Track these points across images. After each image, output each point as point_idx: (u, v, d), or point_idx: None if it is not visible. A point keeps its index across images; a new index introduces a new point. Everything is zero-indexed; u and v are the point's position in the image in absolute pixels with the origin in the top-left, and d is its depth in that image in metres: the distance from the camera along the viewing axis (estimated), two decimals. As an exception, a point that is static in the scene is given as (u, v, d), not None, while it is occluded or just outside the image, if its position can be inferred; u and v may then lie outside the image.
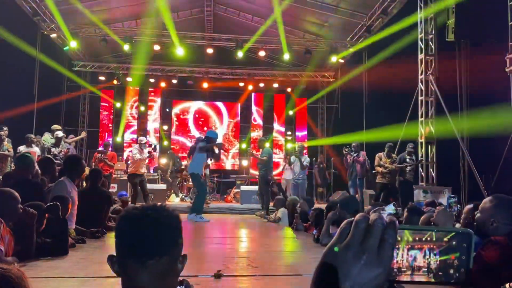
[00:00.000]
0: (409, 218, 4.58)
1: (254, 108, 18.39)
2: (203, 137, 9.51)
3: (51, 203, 3.90)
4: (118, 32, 14.14)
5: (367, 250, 0.57)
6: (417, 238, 0.61)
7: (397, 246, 0.60)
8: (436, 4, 10.72)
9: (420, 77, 11.01)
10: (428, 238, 0.61)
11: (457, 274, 0.60)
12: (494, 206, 2.55)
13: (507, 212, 2.51)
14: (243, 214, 11.13)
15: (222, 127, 18.11)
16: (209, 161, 10.04)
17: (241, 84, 17.35)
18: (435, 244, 0.61)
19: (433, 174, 10.73)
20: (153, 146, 10.26)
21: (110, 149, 11.81)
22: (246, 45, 14.10)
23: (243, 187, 13.25)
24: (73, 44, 13.56)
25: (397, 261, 0.60)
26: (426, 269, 0.61)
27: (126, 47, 13.75)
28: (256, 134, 17.99)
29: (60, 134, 9.55)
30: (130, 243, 1.19)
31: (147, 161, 10.56)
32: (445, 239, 0.61)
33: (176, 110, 18.10)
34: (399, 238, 0.60)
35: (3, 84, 11.29)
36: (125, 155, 15.41)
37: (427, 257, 0.61)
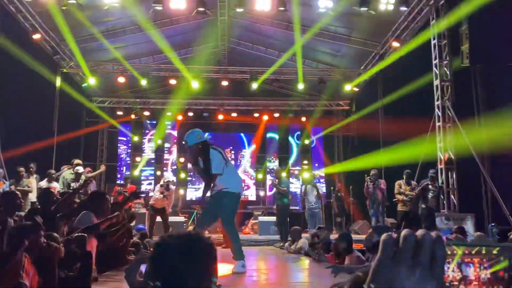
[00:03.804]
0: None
1: (269, 138, 18.44)
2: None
3: (79, 233, 3.89)
4: (135, 67, 14.49)
5: (420, 265, 0.59)
6: (467, 252, 0.63)
7: (447, 261, 0.62)
8: (450, 30, 10.77)
9: (436, 103, 10.96)
10: (478, 253, 0.63)
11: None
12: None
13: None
14: (262, 245, 10.98)
15: (242, 157, 18.18)
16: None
17: (256, 115, 17.48)
18: (484, 258, 0.64)
19: (454, 201, 10.52)
20: (164, 185, 10.20)
21: (129, 182, 11.90)
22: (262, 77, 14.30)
23: (261, 218, 13.13)
24: (91, 81, 13.91)
25: (448, 275, 0.63)
26: (477, 282, 0.63)
27: (143, 82, 14.04)
28: (272, 164, 17.97)
29: (80, 169, 9.70)
30: (168, 270, 1.18)
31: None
32: (494, 253, 0.63)
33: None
34: (449, 253, 0.63)
35: (24, 119, 11.53)
36: (142, 188, 15.48)
37: (478, 270, 0.63)
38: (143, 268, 1.53)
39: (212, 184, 5.36)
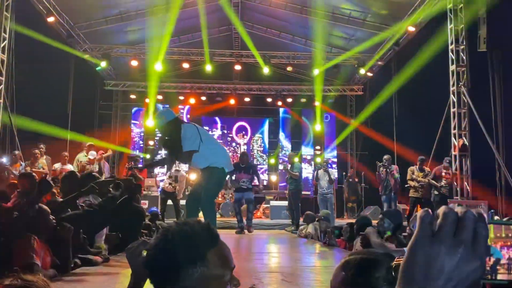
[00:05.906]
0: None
1: (282, 123, 18.39)
2: None
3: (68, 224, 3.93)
4: (148, 51, 14.47)
5: (462, 243, 0.55)
6: (510, 235, 0.60)
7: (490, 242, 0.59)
8: (467, 14, 10.55)
9: (451, 88, 10.77)
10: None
11: None
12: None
13: None
14: (273, 229, 11.06)
15: (252, 142, 18.20)
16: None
17: (269, 100, 17.42)
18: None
19: (468, 188, 10.41)
20: (173, 177, 10.38)
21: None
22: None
23: (273, 203, 13.18)
24: (103, 64, 13.95)
25: (489, 258, 0.59)
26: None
27: (156, 66, 14.01)
28: (284, 149, 17.97)
29: (93, 154, 9.81)
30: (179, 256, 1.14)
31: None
32: None
33: (205, 126, 18.26)
34: (491, 235, 0.59)
35: (38, 104, 11.62)
36: (156, 171, 15.57)
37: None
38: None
39: (187, 163, 5.03)
